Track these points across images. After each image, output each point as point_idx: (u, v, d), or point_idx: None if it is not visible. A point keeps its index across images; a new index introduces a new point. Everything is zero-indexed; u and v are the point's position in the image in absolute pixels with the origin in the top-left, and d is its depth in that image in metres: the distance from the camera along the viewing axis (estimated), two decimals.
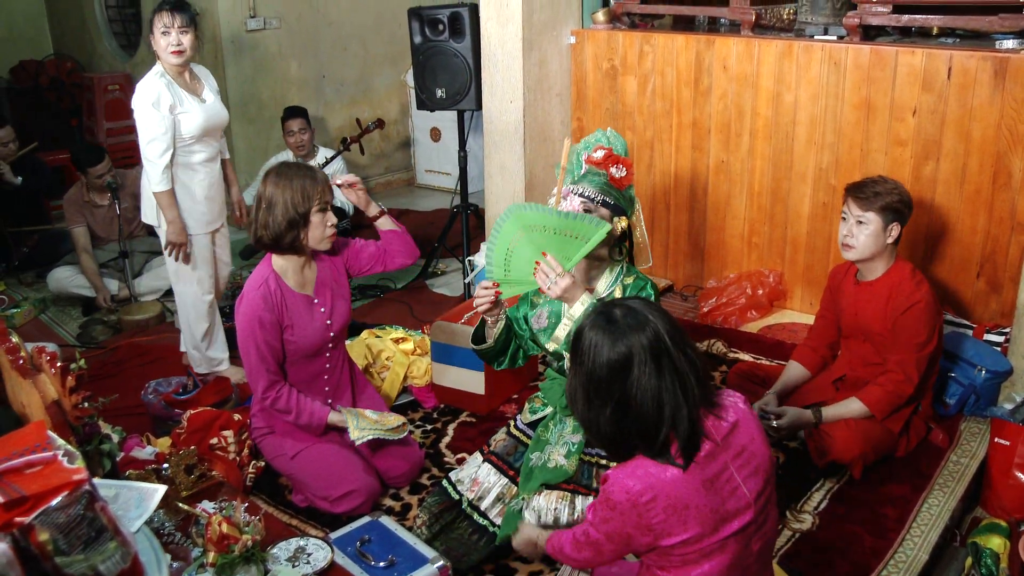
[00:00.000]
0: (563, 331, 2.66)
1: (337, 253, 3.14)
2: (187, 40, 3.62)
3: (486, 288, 2.68)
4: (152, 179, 3.64)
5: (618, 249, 2.73)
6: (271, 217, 2.87)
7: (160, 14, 3.60)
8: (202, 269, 3.87)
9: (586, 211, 2.63)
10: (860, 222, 3.03)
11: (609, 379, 1.86)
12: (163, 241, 3.78)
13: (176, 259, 3.78)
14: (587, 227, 2.52)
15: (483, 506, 2.75)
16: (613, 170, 2.73)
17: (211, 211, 3.86)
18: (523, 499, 2.68)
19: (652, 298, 2.65)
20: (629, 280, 2.72)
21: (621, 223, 2.67)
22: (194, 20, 3.67)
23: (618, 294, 2.69)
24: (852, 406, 3.07)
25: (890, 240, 3.05)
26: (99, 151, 5.09)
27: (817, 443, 3.06)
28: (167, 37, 3.59)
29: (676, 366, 1.85)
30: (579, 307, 2.55)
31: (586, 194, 2.67)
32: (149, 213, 3.81)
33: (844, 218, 3.10)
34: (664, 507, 1.84)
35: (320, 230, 2.93)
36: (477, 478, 2.81)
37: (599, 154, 2.76)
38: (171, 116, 3.61)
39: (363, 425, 2.95)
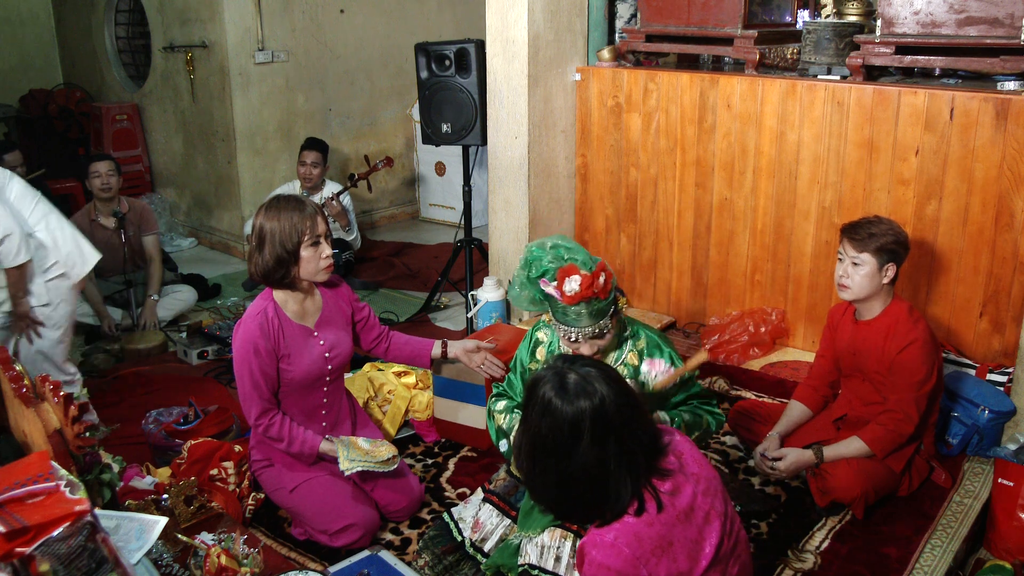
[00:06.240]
0: None
1: (335, 287, 3.14)
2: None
3: None
4: None
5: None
6: (260, 255, 2.85)
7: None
8: None
9: (594, 338, 2.67)
10: (855, 263, 3.05)
11: (554, 443, 1.87)
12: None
13: None
14: None
15: (487, 548, 2.73)
16: (598, 285, 2.57)
17: None
18: (523, 536, 2.66)
19: (670, 359, 2.79)
20: (642, 345, 2.82)
21: (622, 304, 2.77)
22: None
23: (629, 361, 2.79)
24: (853, 445, 3.06)
25: (886, 280, 3.06)
26: (103, 155, 5.18)
27: (819, 482, 3.04)
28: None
29: (621, 440, 1.86)
30: None
31: (592, 335, 2.65)
32: None
33: (840, 259, 3.11)
34: (652, 549, 1.85)
35: (313, 264, 2.88)
36: (479, 519, 2.79)
37: (574, 287, 2.57)
38: None
39: (353, 456, 2.91)
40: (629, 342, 2.81)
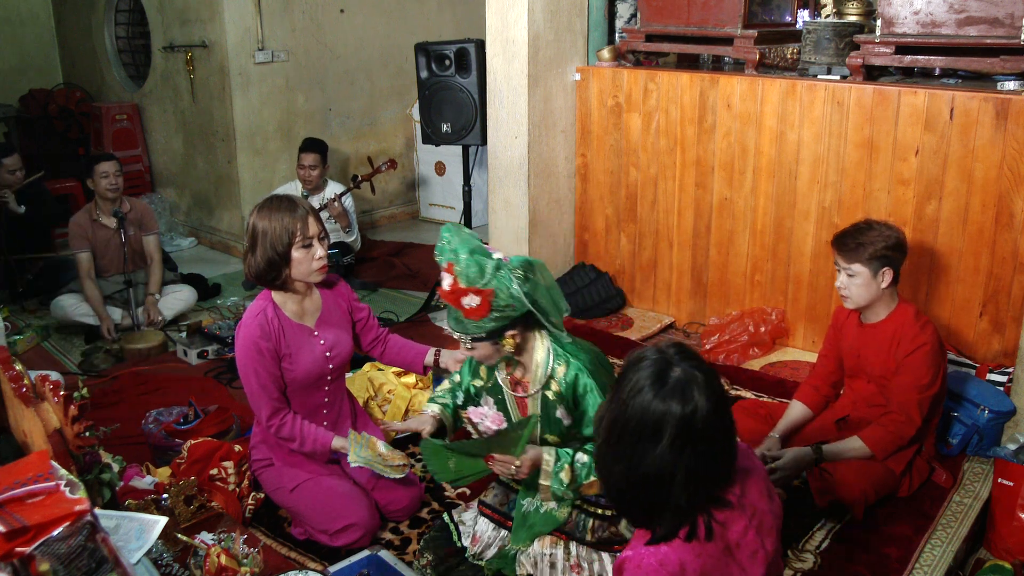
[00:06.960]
0: (546, 480, 2.49)
1: (334, 286, 3.13)
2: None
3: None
4: None
5: (532, 333, 2.55)
6: (253, 256, 2.84)
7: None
8: None
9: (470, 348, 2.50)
10: (849, 274, 3.05)
11: (635, 432, 1.76)
12: None
13: None
14: (516, 427, 2.47)
15: (485, 559, 2.73)
16: (465, 303, 2.42)
17: None
18: (516, 548, 2.66)
19: (587, 387, 2.49)
20: (561, 371, 2.50)
21: (507, 345, 2.47)
22: None
23: (553, 389, 2.52)
24: (853, 445, 3.06)
25: (884, 285, 3.05)
26: (108, 155, 5.13)
27: (818, 482, 3.04)
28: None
29: (697, 457, 1.75)
30: (549, 459, 2.46)
31: (457, 337, 2.49)
32: None
33: (838, 269, 3.12)
34: None
35: (306, 265, 2.86)
36: (476, 534, 2.77)
37: (444, 283, 2.47)
38: None
39: (365, 455, 2.90)
40: (552, 369, 2.54)
